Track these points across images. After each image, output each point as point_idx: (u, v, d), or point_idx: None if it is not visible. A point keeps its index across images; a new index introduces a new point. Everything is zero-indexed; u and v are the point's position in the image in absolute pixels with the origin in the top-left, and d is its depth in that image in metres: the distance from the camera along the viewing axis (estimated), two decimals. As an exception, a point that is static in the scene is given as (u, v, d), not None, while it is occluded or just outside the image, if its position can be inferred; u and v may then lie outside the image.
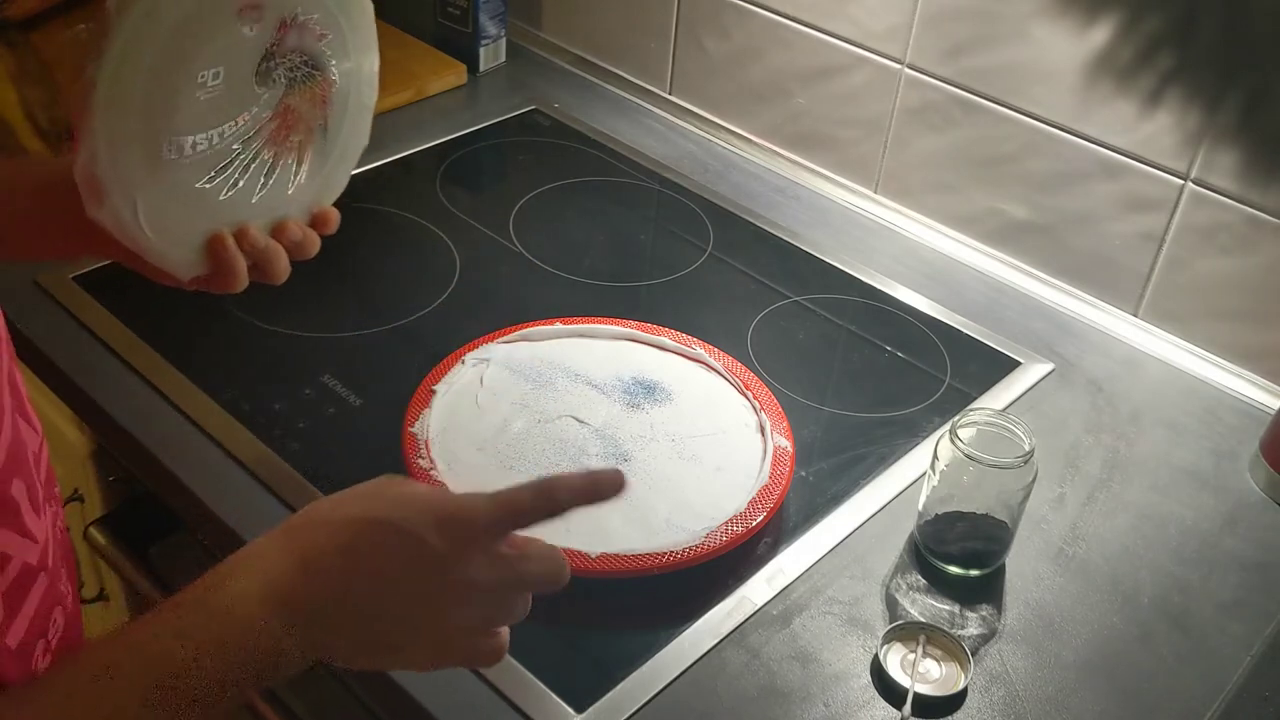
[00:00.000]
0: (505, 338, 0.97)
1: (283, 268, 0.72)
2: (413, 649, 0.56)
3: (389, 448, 0.87)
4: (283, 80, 0.66)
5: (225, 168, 0.66)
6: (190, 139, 0.63)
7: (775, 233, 1.19)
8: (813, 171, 1.29)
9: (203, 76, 0.62)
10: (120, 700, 0.49)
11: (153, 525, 0.97)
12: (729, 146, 1.33)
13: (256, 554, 0.54)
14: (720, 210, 1.22)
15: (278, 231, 0.71)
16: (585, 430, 0.89)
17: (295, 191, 0.72)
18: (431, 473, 0.83)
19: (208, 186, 0.66)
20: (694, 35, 1.32)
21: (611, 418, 0.91)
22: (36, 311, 0.99)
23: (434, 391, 0.90)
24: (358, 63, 0.71)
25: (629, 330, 0.99)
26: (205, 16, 0.61)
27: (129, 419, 0.90)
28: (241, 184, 0.68)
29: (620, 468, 0.86)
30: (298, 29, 0.66)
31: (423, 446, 0.85)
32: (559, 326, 0.98)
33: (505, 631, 0.58)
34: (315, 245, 0.74)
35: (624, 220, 1.22)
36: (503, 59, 1.45)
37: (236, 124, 0.65)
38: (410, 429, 0.87)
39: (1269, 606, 0.84)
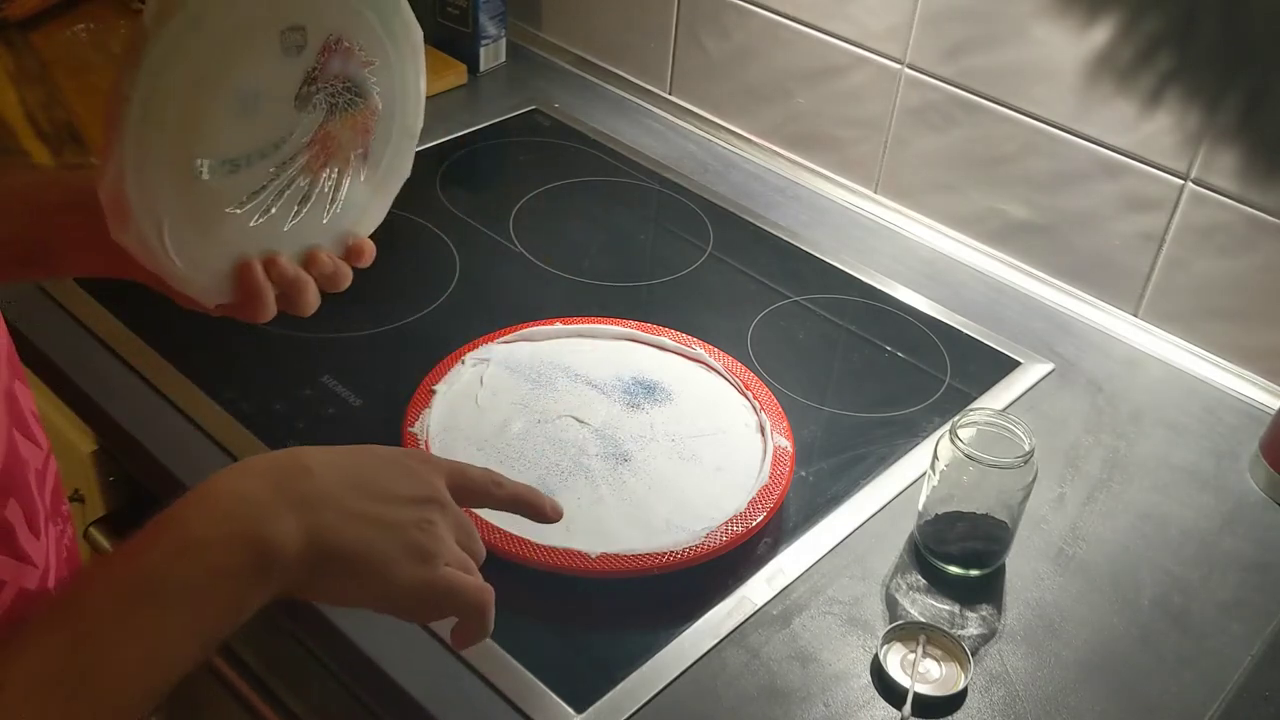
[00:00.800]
0: (505, 338, 0.97)
1: (311, 300, 0.68)
2: (383, 540, 0.56)
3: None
4: (324, 105, 0.64)
5: (258, 194, 0.63)
6: (223, 162, 0.61)
7: (775, 233, 1.19)
8: (813, 171, 1.29)
9: (240, 97, 0.59)
10: (99, 603, 0.49)
11: (153, 525, 0.97)
12: (729, 146, 1.33)
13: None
14: (720, 210, 1.22)
15: (309, 262, 0.68)
16: (585, 430, 0.90)
17: (330, 221, 0.69)
18: (431, 473, 0.83)
19: (238, 212, 0.63)
20: (694, 35, 1.33)
21: (611, 418, 0.91)
22: (38, 313, 0.99)
23: (434, 391, 0.91)
24: (404, 92, 0.68)
25: (629, 330, 0.99)
26: (246, 35, 0.58)
27: (129, 420, 0.90)
28: (274, 211, 0.65)
29: (620, 468, 0.87)
30: (342, 54, 0.63)
31: (423, 446, 0.85)
32: (559, 326, 0.98)
33: (456, 576, 0.58)
34: (347, 278, 0.71)
35: (624, 220, 1.22)
36: (503, 59, 1.45)
37: (273, 149, 0.63)
38: (410, 429, 0.87)
39: (1269, 606, 0.84)
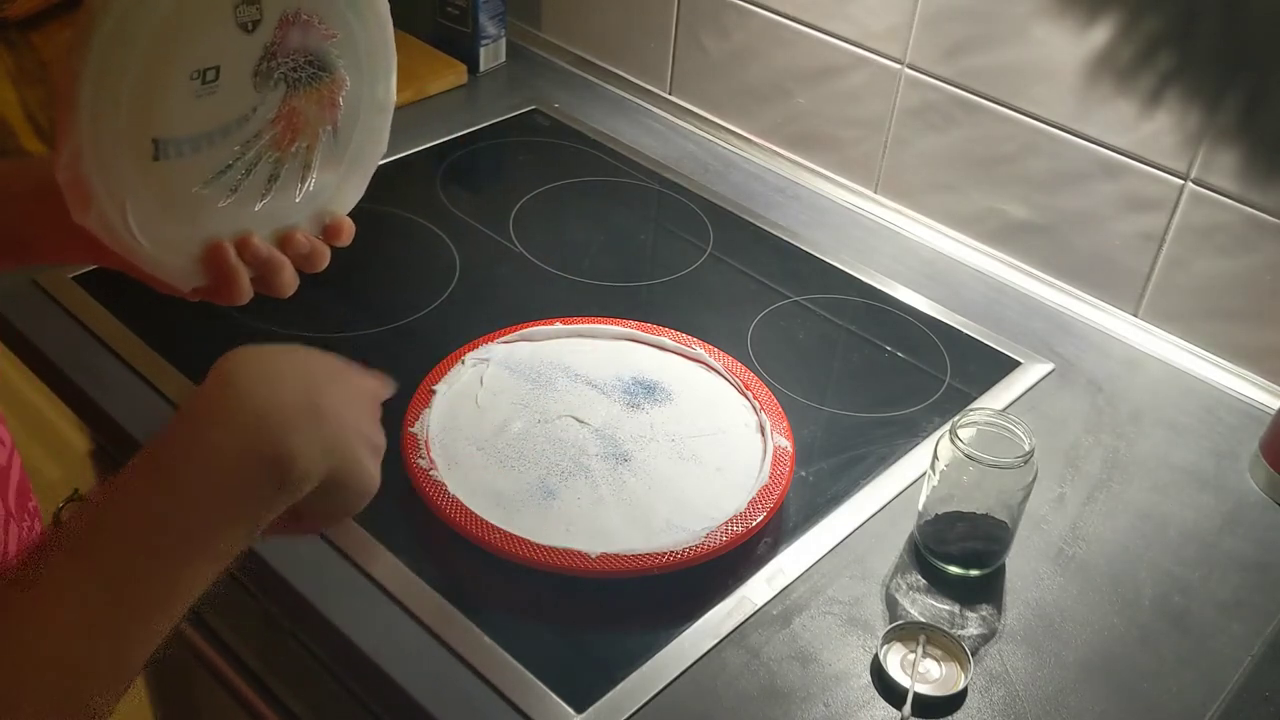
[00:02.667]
0: (505, 338, 0.97)
1: (288, 280, 0.67)
2: (347, 429, 0.58)
3: (389, 447, 0.87)
4: (284, 81, 0.62)
5: (224, 173, 0.62)
6: (183, 140, 0.59)
7: (775, 233, 1.19)
8: (813, 171, 1.29)
9: (196, 73, 0.58)
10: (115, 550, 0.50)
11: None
12: (729, 146, 1.33)
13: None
14: (720, 210, 1.22)
15: (284, 242, 0.67)
16: (585, 430, 0.89)
17: (303, 200, 0.68)
18: (431, 472, 0.83)
19: (204, 192, 0.62)
20: (694, 35, 1.32)
21: (611, 418, 0.91)
22: (36, 311, 0.99)
23: (434, 391, 0.90)
24: (371, 65, 0.66)
25: (629, 330, 0.99)
26: (197, 10, 0.57)
27: (129, 419, 0.90)
28: (242, 190, 0.64)
29: (620, 468, 0.87)
30: (300, 27, 0.62)
31: (423, 446, 0.85)
32: (559, 326, 0.98)
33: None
34: (324, 258, 0.70)
35: (624, 220, 1.22)
36: (503, 59, 1.45)
37: (235, 126, 0.61)
38: (410, 429, 0.87)
39: (1269, 606, 0.84)
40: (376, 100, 0.68)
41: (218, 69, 0.59)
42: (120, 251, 0.61)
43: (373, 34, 0.66)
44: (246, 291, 0.67)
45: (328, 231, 0.70)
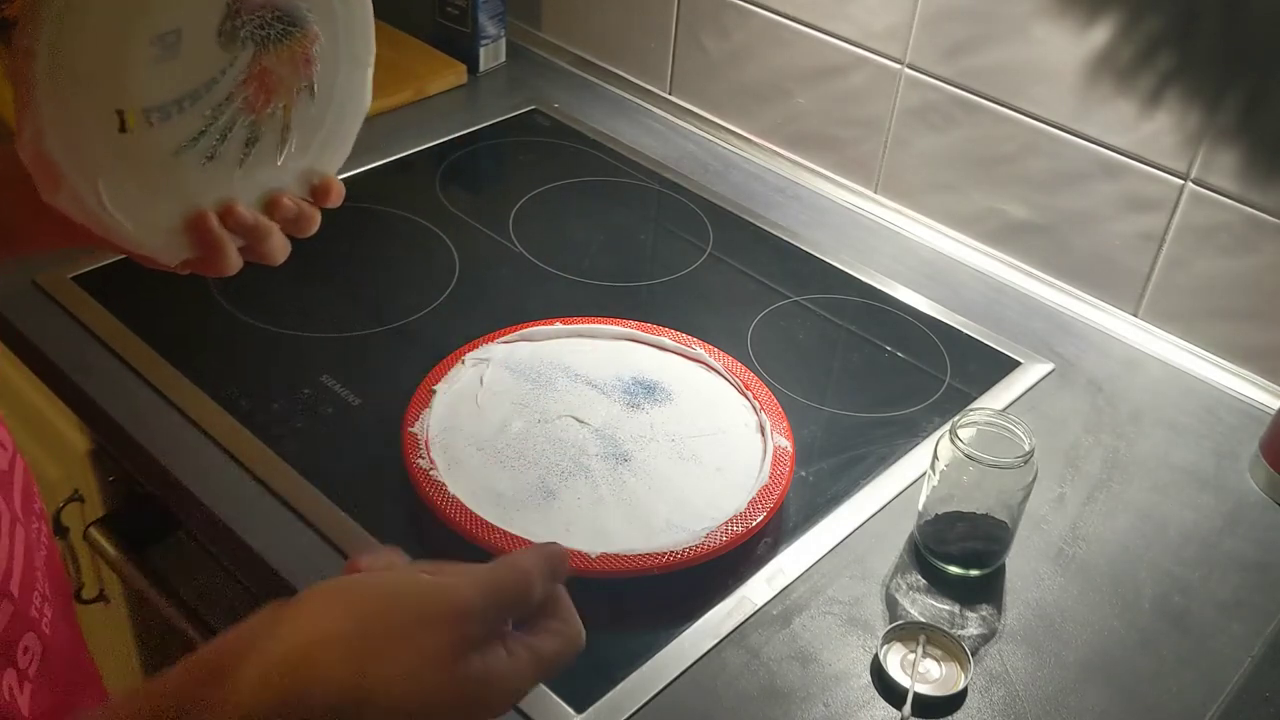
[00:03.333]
0: (505, 338, 0.97)
1: (277, 246, 0.65)
2: None
3: (389, 448, 0.87)
4: (251, 40, 0.60)
5: (197, 140, 0.60)
6: (150, 109, 0.57)
7: (775, 233, 1.19)
8: (813, 171, 1.29)
9: (157, 38, 0.56)
10: None
11: (152, 525, 0.97)
12: (729, 146, 1.33)
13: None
14: (720, 210, 1.22)
15: (270, 207, 0.65)
16: (585, 430, 0.89)
17: (286, 162, 0.65)
18: (431, 472, 0.83)
19: (179, 161, 0.59)
20: (694, 35, 1.32)
21: (611, 418, 0.91)
22: (36, 311, 0.99)
23: (434, 391, 0.90)
24: (347, 17, 0.64)
25: (629, 330, 0.99)
26: None
27: (128, 419, 0.90)
28: (219, 157, 0.61)
29: (620, 468, 0.86)
30: None
31: (423, 446, 0.85)
32: (559, 326, 0.98)
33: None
34: (314, 221, 0.67)
35: (624, 220, 1.22)
36: (503, 59, 1.45)
37: (203, 90, 0.59)
38: (410, 429, 0.87)
39: (1269, 606, 0.84)
40: (355, 55, 0.66)
41: (179, 32, 0.57)
42: (97, 230, 0.59)
43: None
44: (235, 261, 0.64)
45: (316, 193, 0.67)
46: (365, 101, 0.68)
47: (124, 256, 0.65)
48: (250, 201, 0.64)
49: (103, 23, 0.54)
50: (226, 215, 0.63)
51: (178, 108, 0.58)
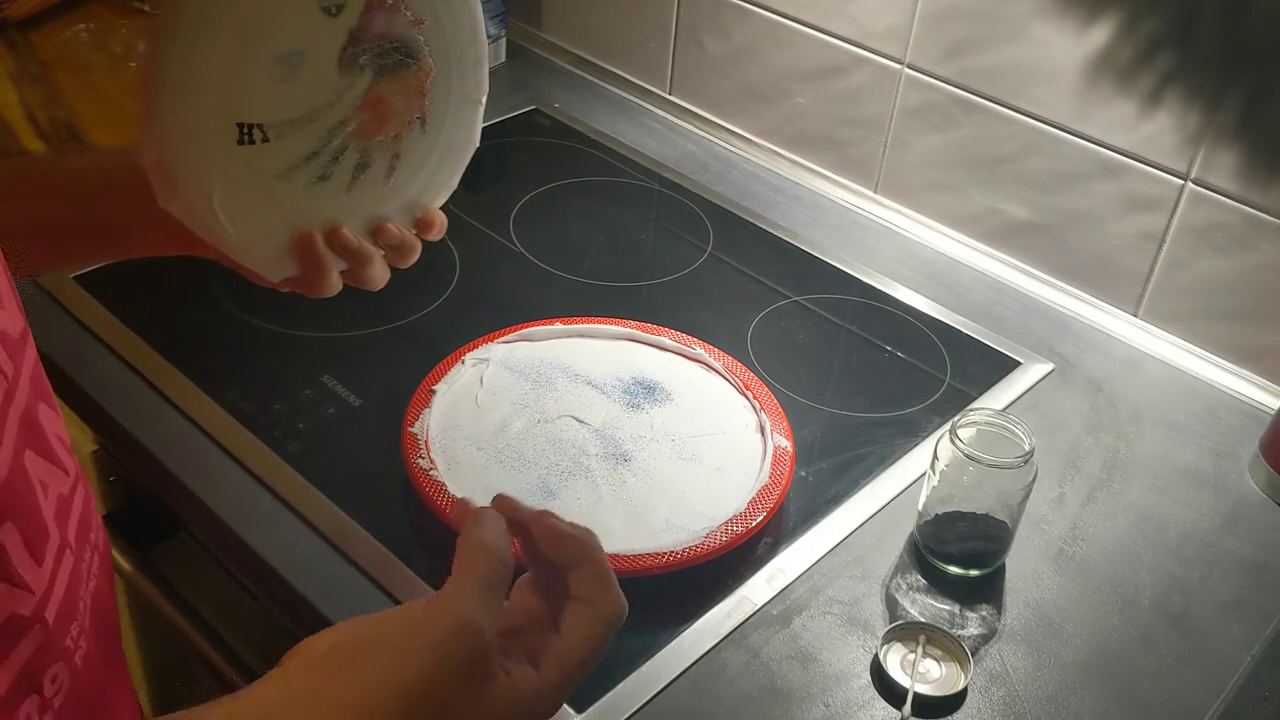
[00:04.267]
0: (505, 338, 0.97)
1: (378, 273, 0.67)
2: None
3: (389, 448, 0.87)
4: (370, 67, 0.61)
5: (310, 160, 0.62)
6: (268, 126, 0.59)
7: (775, 233, 1.19)
8: (813, 171, 1.29)
9: (280, 59, 0.58)
10: None
11: (153, 526, 0.97)
12: (729, 146, 1.33)
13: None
14: (720, 210, 1.22)
15: (376, 233, 0.67)
16: (585, 430, 0.90)
17: (392, 191, 0.67)
18: (431, 472, 0.83)
19: (291, 179, 0.62)
20: (694, 35, 1.33)
21: (611, 418, 0.91)
22: (36, 311, 0.99)
23: (434, 391, 0.91)
24: (459, 54, 0.65)
25: (629, 330, 0.99)
26: None
27: (129, 419, 0.90)
28: (329, 179, 0.63)
29: (620, 468, 0.87)
30: (385, 13, 0.61)
31: (422, 446, 0.86)
32: (559, 326, 0.98)
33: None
34: (415, 251, 0.69)
35: (624, 220, 1.22)
36: (503, 59, 1.45)
37: (320, 112, 0.61)
38: (410, 429, 0.87)
39: (1269, 606, 0.84)
40: (466, 91, 0.67)
41: (301, 53, 0.59)
42: (207, 238, 0.61)
43: (460, 22, 0.65)
44: (336, 283, 0.66)
45: (419, 225, 0.69)
46: (475, 138, 0.70)
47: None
48: (355, 226, 0.66)
49: (231, 39, 0.56)
50: (332, 237, 0.64)
51: (294, 127, 0.60)
